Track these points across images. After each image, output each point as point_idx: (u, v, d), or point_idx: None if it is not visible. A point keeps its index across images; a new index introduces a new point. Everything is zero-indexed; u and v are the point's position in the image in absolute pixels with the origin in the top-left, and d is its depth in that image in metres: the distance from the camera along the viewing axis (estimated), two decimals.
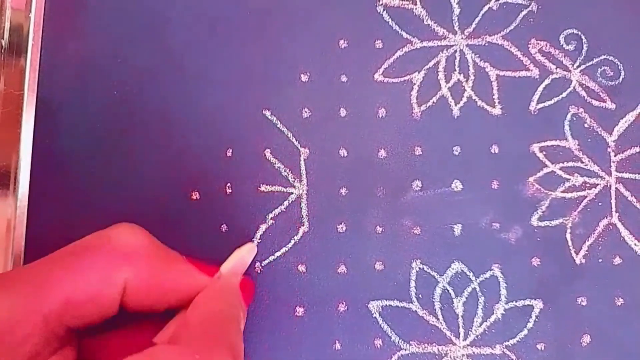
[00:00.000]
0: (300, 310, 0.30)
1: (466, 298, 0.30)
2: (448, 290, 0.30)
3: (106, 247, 0.23)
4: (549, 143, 0.30)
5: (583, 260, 0.30)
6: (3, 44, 0.31)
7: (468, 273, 0.30)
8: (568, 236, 0.30)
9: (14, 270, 0.27)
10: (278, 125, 0.31)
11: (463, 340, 0.29)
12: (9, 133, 0.30)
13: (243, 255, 0.28)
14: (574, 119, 0.31)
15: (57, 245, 0.29)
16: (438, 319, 0.30)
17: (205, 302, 0.24)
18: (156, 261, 0.24)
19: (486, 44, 0.31)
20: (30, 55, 0.31)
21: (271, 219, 0.30)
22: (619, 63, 0.31)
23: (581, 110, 0.31)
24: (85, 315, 0.23)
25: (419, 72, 0.31)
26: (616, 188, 0.30)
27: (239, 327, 0.24)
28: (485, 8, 0.31)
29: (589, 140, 0.30)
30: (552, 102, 0.31)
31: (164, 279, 0.24)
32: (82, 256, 0.23)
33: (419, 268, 0.30)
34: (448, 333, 0.30)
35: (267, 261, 0.30)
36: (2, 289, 0.22)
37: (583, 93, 0.31)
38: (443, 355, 0.29)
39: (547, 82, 0.31)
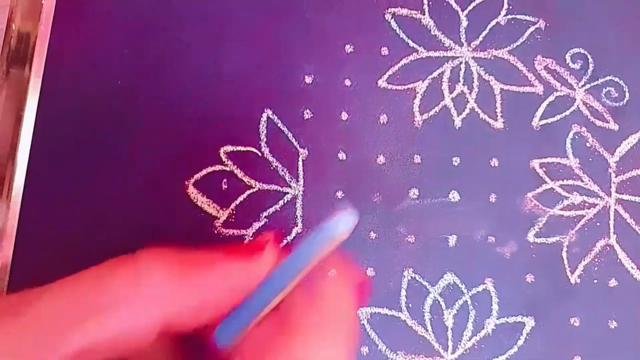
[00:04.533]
0: None
1: (457, 310, 0.29)
2: (439, 302, 0.29)
3: (133, 286, 0.20)
4: (549, 160, 0.30)
5: (578, 280, 0.29)
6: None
7: (460, 285, 0.29)
8: (564, 255, 0.29)
9: (30, 301, 0.23)
10: (279, 125, 0.31)
11: (451, 354, 0.29)
12: (6, 131, 0.30)
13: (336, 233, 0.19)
14: (576, 137, 0.30)
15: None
16: (427, 330, 0.29)
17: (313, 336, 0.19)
18: (190, 285, 0.21)
19: (492, 58, 0.31)
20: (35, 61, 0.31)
21: (265, 217, 0.30)
22: (624, 85, 0.31)
23: (584, 129, 0.30)
24: (111, 354, 0.20)
25: (423, 81, 0.31)
26: (615, 209, 0.30)
27: None
28: (493, 22, 0.31)
29: (590, 159, 0.30)
30: (555, 119, 0.31)
31: (204, 293, 0.21)
32: (107, 295, 0.20)
33: (411, 277, 0.29)
34: (436, 345, 0.29)
35: None
36: (23, 327, 0.19)
37: (586, 112, 0.31)
38: None
39: (551, 99, 0.31)
